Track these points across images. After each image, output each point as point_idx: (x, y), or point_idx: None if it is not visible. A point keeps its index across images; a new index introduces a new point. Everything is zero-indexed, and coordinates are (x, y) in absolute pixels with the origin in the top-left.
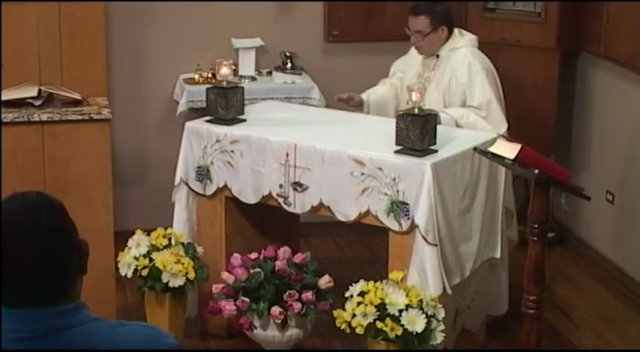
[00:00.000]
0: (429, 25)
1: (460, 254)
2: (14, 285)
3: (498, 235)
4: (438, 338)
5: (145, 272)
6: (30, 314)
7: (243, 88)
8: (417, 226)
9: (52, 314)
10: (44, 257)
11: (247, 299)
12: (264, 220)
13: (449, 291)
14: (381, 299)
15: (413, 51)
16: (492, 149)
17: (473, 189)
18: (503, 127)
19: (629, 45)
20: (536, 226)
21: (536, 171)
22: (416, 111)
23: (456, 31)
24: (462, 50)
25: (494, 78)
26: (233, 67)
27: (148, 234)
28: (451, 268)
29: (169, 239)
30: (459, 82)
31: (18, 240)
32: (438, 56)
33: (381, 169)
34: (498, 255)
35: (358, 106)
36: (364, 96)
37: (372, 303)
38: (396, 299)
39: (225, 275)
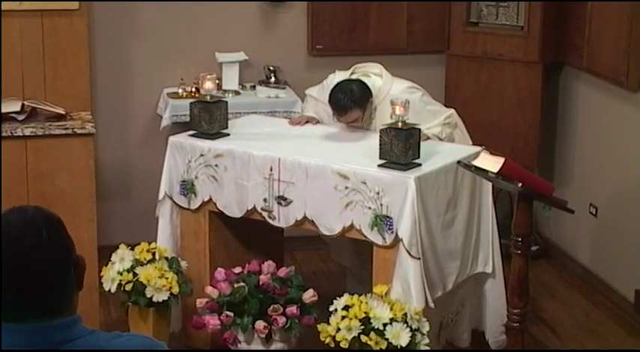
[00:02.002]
0: (361, 111)
1: (443, 267)
2: (13, 299)
3: (489, 249)
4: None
5: (128, 287)
6: (30, 328)
7: (226, 102)
8: (401, 240)
9: (51, 328)
10: (43, 271)
11: (231, 314)
12: (248, 234)
13: (431, 305)
14: (365, 313)
15: (321, 93)
16: (476, 163)
17: (456, 203)
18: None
19: (612, 58)
20: (520, 239)
21: (520, 185)
22: (399, 125)
23: (367, 80)
24: (392, 92)
25: (427, 96)
26: (217, 81)
27: (132, 249)
28: (434, 281)
29: (153, 253)
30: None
31: (17, 254)
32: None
33: (364, 183)
34: (489, 269)
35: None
36: (315, 115)
37: (356, 317)
38: (381, 313)
39: (209, 289)
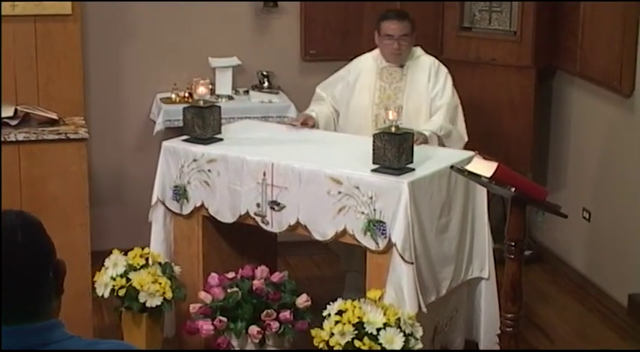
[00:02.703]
0: (411, 30)
1: (437, 272)
2: None
3: (486, 255)
4: None
5: (122, 292)
6: (5, 331)
7: (220, 107)
8: (394, 245)
9: (27, 332)
10: (18, 275)
11: (225, 319)
12: (241, 239)
13: (424, 309)
14: (358, 317)
15: (344, 73)
16: (469, 167)
17: (450, 208)
18: (465, 139)
19: (605, 63)
20: (513, 244)
21: (513, 190)
22: (393, 129)
23: None
24: (424, 57)
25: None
26: (210, 86)
27: (125, 254)
28: (427, 286)
29: (146, 259)
30: (431, 84)
31: None
32: (402, 66)
33: (358, 188)
34: (486, 274)
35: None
36: (313, 114)
37: (349, 322)
38: (374, 317)
39: (202, 294)
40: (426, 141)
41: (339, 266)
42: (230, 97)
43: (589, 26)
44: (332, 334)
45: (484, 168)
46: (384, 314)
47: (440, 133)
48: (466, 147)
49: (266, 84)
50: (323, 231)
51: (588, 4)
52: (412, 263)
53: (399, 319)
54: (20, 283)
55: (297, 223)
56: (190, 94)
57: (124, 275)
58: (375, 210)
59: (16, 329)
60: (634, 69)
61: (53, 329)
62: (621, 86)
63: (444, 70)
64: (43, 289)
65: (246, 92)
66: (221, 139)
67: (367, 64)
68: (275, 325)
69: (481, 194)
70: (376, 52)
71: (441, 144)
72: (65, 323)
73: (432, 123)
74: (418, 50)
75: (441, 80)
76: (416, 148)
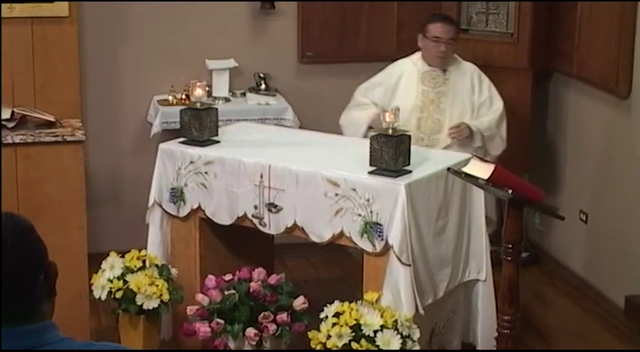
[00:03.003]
0: (455, 34)
1: (434, 274)
2: None
3: (483, 257)
4: None
5: (119, 295)
6: None
7: (217, 109)
8: (391, 247)
9: (18, 334)
10: (6, 277)
11: (222, 321)
12: (238, 242)
13: (421, 312)
14: (356, 320)
15: (382, 79)
16: (466, 169)
17: (447, 210)
18: (505, 145)
19: (601, 65)
20: (510, 246)
21: (510, 192)
22: (390, 131)
23: None
24: (465, 63)
25: None
26: (207, 89)
27: (122, 256)
28: (424, 288)
29: (143, 261)
30: (476, 91)
31: None
32: (444, 70)
33: (355, 190)
34: (483, 277)
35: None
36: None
37: (347, 324)
38: (371, 319)
39: (199, 296)
40: (470, 134)
41: (336, 269)
42: (227, 99)
43: (586, 28)
44: (329, 336)
45: (481, 170)
46: (382, 316)
47: (485, 133)
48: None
49: (263, 86)
50: (320, 233)
51: (585, 6)
52: (409, 265)
53: (396, 321)
54: (9, 285)
55: (295, 225)
56: (187, 96)
57: (121, 277)
58: (371, 212)
59: (7, 332)
60: (631, 71)
61: (46, 331)
62: (618, 88)
63: (485, 77)
64: (33, 291)
65: (243, 94)
66: (218, 141)
67: (407, 68)
68: (272, 327)
69: (478, 196)
70: (416, 56)
71: (484, 144)
72: (60, 326)
73: (481, 122)
74: (457, 57)
75: (486, 87)
76: (413, 150)
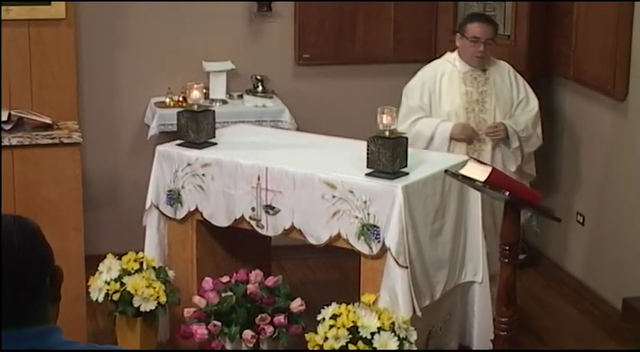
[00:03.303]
0: (494, 34)
1: (431, 276)
2: None
3: (480, 259)
4: None
5: (116, 297)
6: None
7: (214, 111)
8: (388, 249)
9: (21, 337)
10: (13, 279)
11: (219, 323)
12: (235, 244)
13: (419, 314)
14: (353, 322)
15: (419, 83)
16: (463, 171)
17: (444, 212)
18: (541, 142)
19: (598, 67)
20: (507, 248)
21: (507, 194)
22: (387, 133)
23: None
24: (500, 62)
25: None
26: (204, 91)
27: (119, 258)
28: (421, 290)
29: (141, 263)
30: (514, 89)
31: None
32: (484, 70)
33: (352, 192)
34: (479, 278)
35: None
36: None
37: (344, 326)
38: (368, 322)
39: (196, 299)
40: (506, 133)
41: (333, 270)
42: (224, 102)
43: (582, 31)
44: (326, 338)
45: (478, 172)
46: (379, 318)
47: (522, 134)
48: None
49: (260, 88)
50: (317, 235)
51: (582, 8)
52: (406, 267)
53: (393, 323)
54: (16, 288)
55: (292, 227)
56: (184, 98)
57: (118, 279)
58: (369, 214)
59: (11, 334)
60: (627, 73)
61: (50, 334)
62: (615, 90)
63: (519, 75)
64: (39, 294)
65: (240, 96)
66: (215, 144)
67: (446, 70)
68: (269, 329)
69: (474, 198)
70: (451, 56)
71: (520, 144)
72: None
73: (518, 122)
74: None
75: (522, 86)
76: (410, 152)
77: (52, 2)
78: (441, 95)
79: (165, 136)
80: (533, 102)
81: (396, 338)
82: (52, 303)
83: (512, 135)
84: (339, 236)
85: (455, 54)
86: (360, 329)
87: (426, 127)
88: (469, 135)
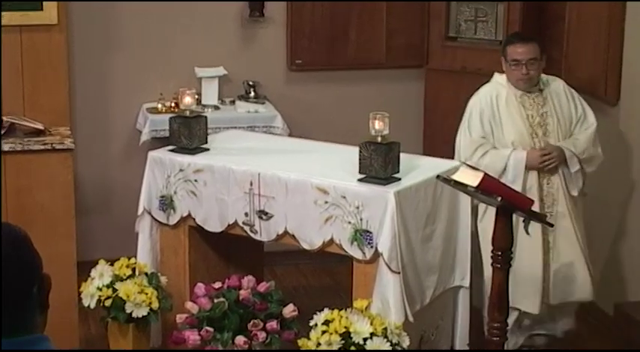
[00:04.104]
0: (540, 52)
1: (422, 281)
2: None
3: (467, 264)
4: None
5: (108, 303)
6: None
7: (206, 117)
8: (381, 254)
9: (9, 345)
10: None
11: (211, 329)
12: (228, 249)
13: (411, 319)
14: (345, 327)
15: (476, 112)
16: (455, 177)
17: (435, 217)
18: (602, 158)
19: (590, 72)
20: (500, 253)
21: (499, 199)
22: (379, 139)
23: None
24: (554, 79)
25: None
26: (196, 96)
27: (112, 264)
28: (413, 295)
29: (133, 269)
30: (572, 107)
31: None
32: (541, 90)
33: (344, 198)
34: (466, 283)
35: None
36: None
37: (336, 332)
38: (361, 327)
39: (189, 304)
40: (561, 157)
41: (325, 276)
42: (216, 107)
43: (574, 36)
44: (319, 344)
45: (470, 177)
46: (371, 323)
47: (582, 156)
48: (452, 157)
49: (252, 94)
50: (311, 240)
51: (574, 13)
52: (399, 272)
53: (385, 329)
54: (2, 297)
55: (286, 232)
56: (176, 104)
57: (110, 285)
58: (361, 219)
59: None
60: (619, 78)
61: (38, 343)
62: (607, 95)
63: (573, 90)
64: (26, 303)
65: (233, 102)
66: (207, 149)
67: (500, 93)
68: (262, 335)
69: (465, 203)
70: (503, 78)
71: (581, 167)
72: (50, 334)
73: (577, 144)
74: (541, 74)
75: (577, 101)
76: (402, 157)
77: (45, 8)
78: (502, 121)
79: (158, 142)
80: (591, 118)
81: (388, 343)
82: (40, 312)
83: (571, 159)
84: (332, 241)
85: (504, 76)
86: (352, 335)
87: (498, 160)
88: (543, 162)
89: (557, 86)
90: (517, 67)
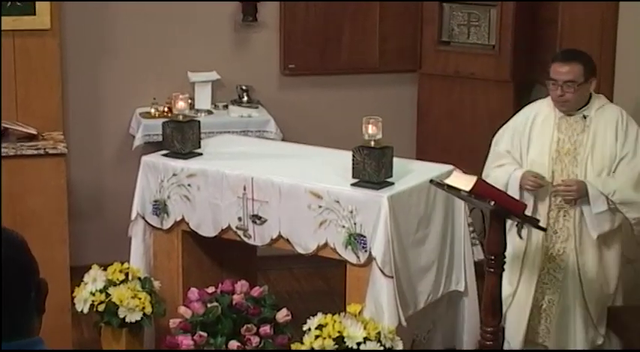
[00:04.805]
0: (583, 75)
1: (415, 286)
2: None
3: (462, 268)
4: None
5: (101, 308)
6: None
7: (199, 121)
8: (375, 258)
9: (6, 349)
10: None
11: (205, 334)
12: (221, 254)
13: (404, 323)
14: (339, 332)
15: (513, 124)
16: (448, 181)
17: (428, 221)
18: None
19: None
20: (493, 258)
21: (492, 203)
22: (372, 144)
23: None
24: (610, 108)
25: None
26: (189, 101)
27: (105, 269)
28: (406, 300)
29: (126, 274)
30: (619, 142)
31: None
32: (585, 117)
33: (338, 202)
34: (462, 288)
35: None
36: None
37: (330, 336)
38: (354, 332)
39: (182, 309)
40: (581, 193)
41: (318, 281)
42: (209, 112)
43: (567, 40)
44: (312, 348)
45: (463, 182)
46: (364, 328)
47: (612, 197)
48: (445, 161)
49: (245, 98)
50: (305, 244)
51: (566, 18)
52: (392, 276)
53: (379, 333)
54: (1, 301)
55: (280, 236)
56: (170, 109)
57: (104, 290)
58: (355, 223)
59: None
60: (612, 82)
61: (33, 346)
62: None
63: (634, 125)
64: (24, 307)
65: (226, 107)
66: (200, 154)
67: (542, 112)
68: (255, 340)
69: (460, 207)
70: (549, 97)
71: (609, 209)
72: (44, 339)
73: (608, 183)
74: (601, 98)
75: (631, 137)
76: (395, 162)
77: (37, 13)
78: (531, 139)
79: (151, 147)
80: (637, 160)
81: (381, 348)
82: (37, 316)
83: (597, 198)
84: (326, 245)
85: None
86: (345, 340)
87: (502, 174)
88: (533, 185)
89: (610, 115)
90: (554, 86)
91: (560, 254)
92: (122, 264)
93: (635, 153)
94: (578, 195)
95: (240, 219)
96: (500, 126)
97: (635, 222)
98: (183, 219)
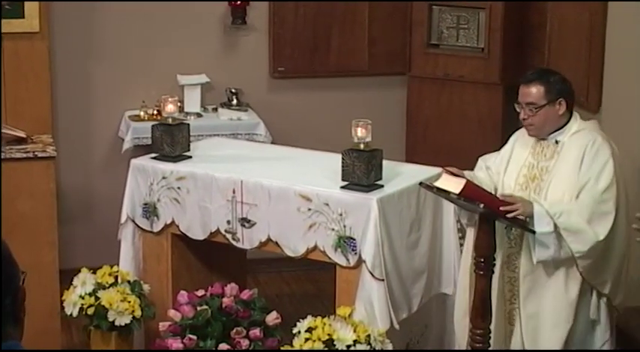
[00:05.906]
0: (544, 97)
1: (408, 288)
2: None
3: (452, 271)
4: None
5: (90, 311)
6: None
7: (188, 124)
8: (364, 261)
9: None
10: None
11: (194, 337)
12: (210, 257)
13: (396, 326)
14: (328, 334)
15: (514, 142)
16: (438, 184)
17: (419, 224)
18: (600, 239)
19: (572, 79)
20: (482, 260)
21: (481, 206)
22: (361, 146)
23: (576, 113)
24: (582, 134)
25: (617, 170)
26: (178, 104)
27: (94, 272)
28: (399, 303)
29: (115, 277)
30: (583, 169)
31: None
32: (557, 142)
33: (327, 205)
34: (450, 291)
35: None
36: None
37: (319, 339)
38: (344, 334)
39: (171, 312)
40: (526, 211)
41: (308, 283)
42: (199, 115)
43: (556, 43)
44: (302, 351)
45: (452, 184)
46: (354, 331)
47: (557, 219)
48: (434, 164)
49: (235, 101)
50: (294, 247)
51: (555, 21)
52: (383, 279)
53: (369, 336)
54: None
55: (269, 239)
56: (159, 112)
57: (93, 293)
58: (345, 226)
59: None
60: (601, 85)
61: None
62: (588, 102)
63: (605, 154)
64: None
65: (215, 109)
66: (190, 157)
67: (523, 134)
68: (245, 343)
69: (449, 210)
70: None
71: (555, 231)
72: (32, 342)
73: (557, 203)
74: (577, 124)
75: (596, 166)
76: (385, 164)
77: (26, 16)
78: (509, 162)
79: (140, 150)
80: (602, 185)
81: (371, 350)
82: (13, 322)
83: (542, 217)
84: (316, 248)
85: None
86: (335, 342)
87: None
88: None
89: (580, 141)
90: (519, 108)
91: (511, 274)
92: (111, 267)
93: (597, 181)
94: (523, 213)
95: (229, 222)
96: (490, 129)
97: (579, 255)
98: (173, 222)
